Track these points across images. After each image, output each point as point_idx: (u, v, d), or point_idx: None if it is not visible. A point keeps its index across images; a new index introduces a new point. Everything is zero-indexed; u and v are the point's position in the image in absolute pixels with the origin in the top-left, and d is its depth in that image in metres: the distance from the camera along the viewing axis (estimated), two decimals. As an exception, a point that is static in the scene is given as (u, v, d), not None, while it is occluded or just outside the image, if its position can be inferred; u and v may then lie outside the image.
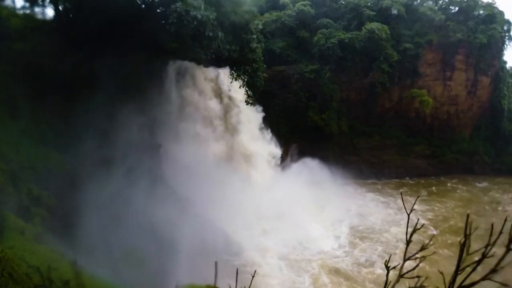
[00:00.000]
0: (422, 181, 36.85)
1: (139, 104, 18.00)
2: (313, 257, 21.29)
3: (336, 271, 20.06)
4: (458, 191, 34.57)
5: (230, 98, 26.23)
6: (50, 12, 20.46)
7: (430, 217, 27.88)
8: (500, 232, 1.67)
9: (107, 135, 15.34)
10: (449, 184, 36.22)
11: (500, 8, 40.27)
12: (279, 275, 19.24)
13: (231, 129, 26.56)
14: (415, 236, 2.10)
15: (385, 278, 2.13)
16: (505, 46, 40.74)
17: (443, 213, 28.65)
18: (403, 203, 2.37)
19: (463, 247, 1.79)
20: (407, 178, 37.51)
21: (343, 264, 20.85)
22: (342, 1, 38.99)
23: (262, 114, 30.29)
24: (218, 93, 25.83)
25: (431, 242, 2.15)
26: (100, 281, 7.37)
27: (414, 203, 2.77)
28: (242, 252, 19.66)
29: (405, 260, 2.11)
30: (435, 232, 24.63)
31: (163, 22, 18.64)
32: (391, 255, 2.81)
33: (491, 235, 1.68)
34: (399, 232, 24.31)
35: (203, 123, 24.64)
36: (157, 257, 13.93)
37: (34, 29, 17.96)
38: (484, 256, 1.78)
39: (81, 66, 16.47)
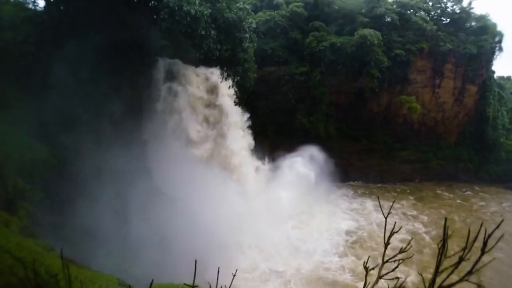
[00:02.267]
0: (410, 187, 37.19)
1: (128, 100, 17.86)
2: (307, 267, 20.63)
3: (333, 283, 19.48)
4: (446, 198, 34.80)
5: (219, 98, 25.94)
6: (40, 3, 20.29)
7: (428, 226, 27.60)
8: (475, 239, 1.77)
9: (96, 130, 15.20)
10: (438, 191, 36.48)
11: (494, 20, 41.57)
12: None
13: (219, 130, 26.29)
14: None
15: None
16: (495, 56, 41.77)
17: (437, 220, 28.44)
18: (381, 207, 2.47)
19: (442, 250, 1.90)
20: (393, 182, 37.84)
21: (339, 276, 20.23)
22: (335, 6, 39.14)
23: (248, 115, 29.82)
24: (208, 93, 25.63)
25: (410, 245, 2.25)
26: (88, 271, 7.34)
27: (391, 207, 2.87)
28: (232, 259, 19.00)
29: (383, 262, 2.20)
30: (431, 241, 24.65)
31: (155, 17, 18.35)
32: (369, 256, 2.90)
33: (467, 239, 1.78)
34: (392, 237, 24.12)
35: (192, 122, 24.36)
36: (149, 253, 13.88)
37: (25, 19, 17.71)
38: (461, 259, 1.89)
39: (70, 59, 16.27)
